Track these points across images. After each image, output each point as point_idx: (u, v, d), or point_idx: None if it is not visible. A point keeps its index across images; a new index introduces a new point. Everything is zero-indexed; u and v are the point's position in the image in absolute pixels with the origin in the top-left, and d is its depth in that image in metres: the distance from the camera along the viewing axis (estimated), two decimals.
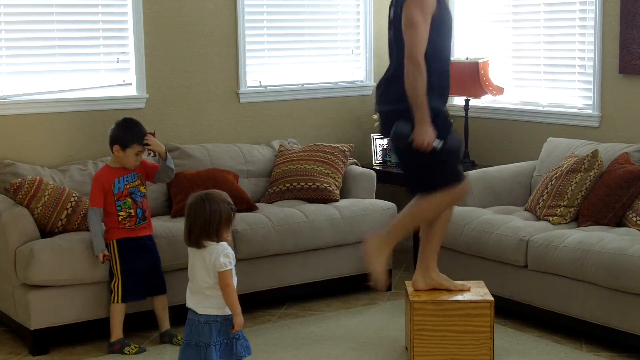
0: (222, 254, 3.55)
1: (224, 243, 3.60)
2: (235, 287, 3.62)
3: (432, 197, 4.18)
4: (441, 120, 4.09)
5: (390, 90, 4.16)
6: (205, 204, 3.56)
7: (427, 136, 3.98)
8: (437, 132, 4.01)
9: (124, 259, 4.49)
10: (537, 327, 4.76)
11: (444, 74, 4.21)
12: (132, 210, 4.52)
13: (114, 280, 4.49)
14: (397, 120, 4.06)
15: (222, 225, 3.57)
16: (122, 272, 4.48)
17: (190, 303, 3.64)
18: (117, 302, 4.48)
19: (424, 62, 3.97)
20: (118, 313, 4.49)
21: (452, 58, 6.15)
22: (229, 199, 3.64)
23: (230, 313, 3.58)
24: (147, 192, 4.65)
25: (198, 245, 3.58)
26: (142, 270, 4.53)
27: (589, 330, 4.51)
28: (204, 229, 3.56)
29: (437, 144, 4.00)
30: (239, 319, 3.58)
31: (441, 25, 4.11)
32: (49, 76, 5.32)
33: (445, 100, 4.23)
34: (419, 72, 3.97)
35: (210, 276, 3.56)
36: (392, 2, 4.21)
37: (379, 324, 4.86)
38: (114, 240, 4.50)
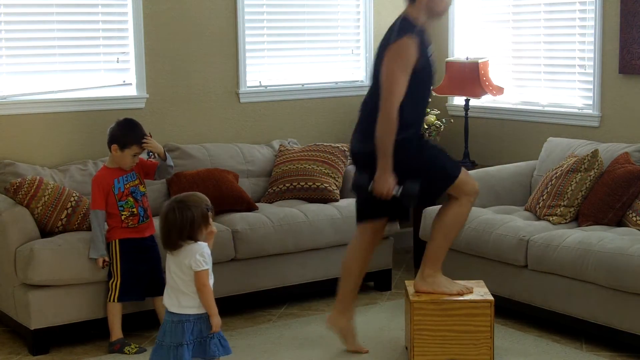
0: (198, 253, 3.54)
1: (201, 243, 3.58)
2: (212, 287, 3.60)
3: (456, 202, 4.26)
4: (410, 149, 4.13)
5: (362, 129, 4.22)
6: (176, 212, 3.56)
7: (386, 185, 4.05)
8: (397, 179, 4.06)
9: (125, 260, 4.49)
10: (537, 327, 4.76)
11: (419, 122, 4.27)
12: (134, 209, 4.52)
13: (113, 279, 4.49)
14: (362, 165, 4.18)
15: (197, 229, 3.56)
16: (122, 272, 4.48)
17: (165, 300, 3.63)
18: (114, 300, 4.48)
19: (397, 114, 4.02)
20: (115, 312, 4.49)
21: (452, 58, 6.24)
22: (205, 201, 3.62)
23: (204, 312, 3.56)
24: (146, 191, 4.65)
25: (174, 248, 3.58)
26: (142, 271, 4.53)
27: (589, 330, 4.51)
28: (177, 233, 3.55)
29: (396, 191, 4.07)
30: (216, 320, 3.56)
31: (421, 78, 4.13)
32: (49, 76, 5.32)
33: (416, 142, 4.24)
34: (389, 124, 4.02)
35: (184, 272, 3.55)
36: (384, 36, 4.21)
37: (379, 323, 4.86)
38: (117, 240, 4.50)
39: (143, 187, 4.62)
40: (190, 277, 3.54)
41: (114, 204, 4.50)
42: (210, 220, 3.62)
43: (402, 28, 4.10)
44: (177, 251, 3.57)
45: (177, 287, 3.57)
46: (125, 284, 4.49)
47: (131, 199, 4.53)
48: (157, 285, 4.58)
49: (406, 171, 4.10)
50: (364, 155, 4.20)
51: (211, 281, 3.60)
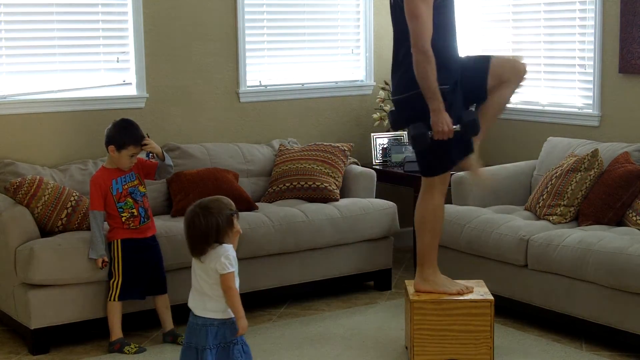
0: (223, 255, 3.51)
1: (225, 245, 3.55)
2: (238, 289, 3.60)
3: (428, 198, 4.23)
4: (456, 96, 4.09)
5: (401, 78, 4.13)
6: (201, 218, 3.52)
7: (445, 124, 3.98)
8: (453, 116, 3.99)
9: (127, 259, 4.49)
10: (537, 327, 4.76)
11: (453, 54, 4.18)
12: (134, 210, 4.52)
13: (114, 278, 4.49)
14: (408, 112, 4.08)
15: (223, 232, 3.54)
16: (123, 271, 4.48)
17: (190, 303, 3.62)
18: (114, 300, 4.48)
19: (431, 49, 3.94)
20: (115, 311, 4.49)
21: None
22: (229, 205, 3.59)
23: (228, 317, 3.54)
24: (146, 191, 4.65)
25: (202, 254, 3.56)
26: (143, 270, 4.53)
27: (589, 330, 4.51)
28: (204, 239, 3.53)
29: (457, 127, 4.01)
30: (243, 322, 3.53)
31: (444, 8, 4.08)
32: (49, 76, 5.32)
33: (456, 77, 4.15)
34: (427, 61, 3.94)
35: (209, 275, 3.54)
36: None
37: (379, 323, 4.86)
38: (119, 240, 4.50)
39: (143, 187, 4.62)
40: (215, 280, 3.51)
41: (113, 205, 4.50)
42: (235, 222, 3.60)
43: None
44: (204, 256, 3.56)
45: (203, 291, 3.55)
46: (126, 283, 4.49)
47: (130, 200, 4.53)
48: (158, 284, 4.59)
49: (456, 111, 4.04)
50: (404, 103, 4.11)
51: (237, 283, 3.58)
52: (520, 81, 4.37)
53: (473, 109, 4.08)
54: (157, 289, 4.59)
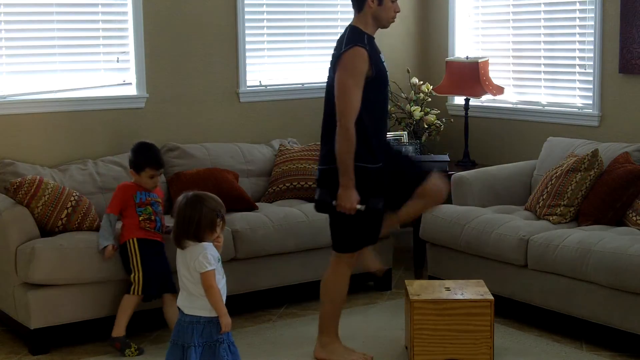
0: (201, 255, 3.53)
1: (205, 243, 3.57)
2: (224, 287, 3.60)
3: (334, 267, 4.28)
4: (373, 178, 4.12)
5: (324, 149, 4.21)
6: (187, 206, 3.56)
7: (350, 201, 4.05)
8: (359, 197, 4.05)
9: (144, 255, 4.50)
10: (537, 327, 4.76)
11: (381, 130, 4.24)
12: (152, 217, 4.58)
13: (134, 273, 4.48)
14: (322, 183, 4.18)
15: (202, 229, 3.55)
16: (143, 266, 4.48)
17: (179, 302, 3.64)
18: (138, 293, 4.46)
19: (354, 128, 4.01)
20: (127, 307, 4.45)
21: (452, 58, 6.24)
22: (219, 205, 3.60)
23: (215, 315, 3.55)
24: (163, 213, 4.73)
25: (180, 245, 3.59)
26: (158, 266, 4.52)
27: (589, 330, 4.51)
28: (183, 229, 3.56)
29: (360, 207, 4.08)
30: (226, 320, 3.55)
31: (376, 85, 4.12)
32: (49, 76, 5.32)
33: (382, 155, 4.20)
34: (347, 139, 4.01)
35: (192, 275, 3.55)
36: (335, 47, 4.22)
37: (379, 323, 4.86)
38: (135, 239, 4.52)
39: (162, 207, 4.72)
40: (197, 279, 3.54)
41: (133, 208, 4.56)
42: (219, 229, 3.61)
43: (350, 38, 4.11)
44: (184, 251, 3.58)
45: (187, 289, 3.58)
46: (147, 276, 4.48)
47: (150, 208, 4.59)
48: (171, 284, 4.54)
49: (367, 193, 4.10)
50: (320, 172, 4.22)
51: (223, 281, 3.59)
52: (437, 205, 4.49)
53: (381, 200, 4.12)
54: (169, 288, 4.54)
